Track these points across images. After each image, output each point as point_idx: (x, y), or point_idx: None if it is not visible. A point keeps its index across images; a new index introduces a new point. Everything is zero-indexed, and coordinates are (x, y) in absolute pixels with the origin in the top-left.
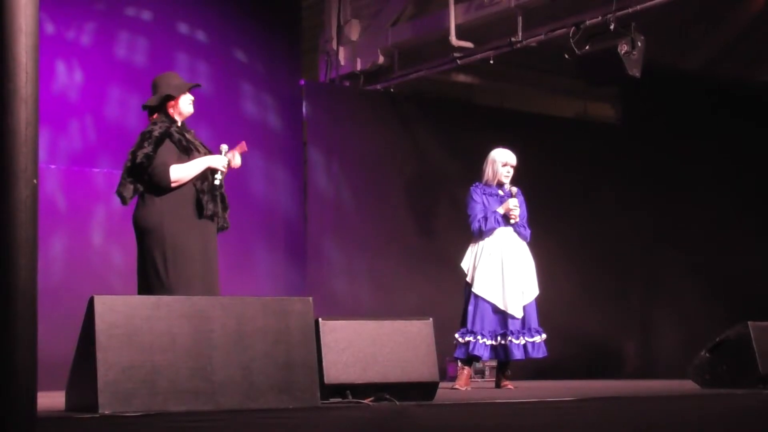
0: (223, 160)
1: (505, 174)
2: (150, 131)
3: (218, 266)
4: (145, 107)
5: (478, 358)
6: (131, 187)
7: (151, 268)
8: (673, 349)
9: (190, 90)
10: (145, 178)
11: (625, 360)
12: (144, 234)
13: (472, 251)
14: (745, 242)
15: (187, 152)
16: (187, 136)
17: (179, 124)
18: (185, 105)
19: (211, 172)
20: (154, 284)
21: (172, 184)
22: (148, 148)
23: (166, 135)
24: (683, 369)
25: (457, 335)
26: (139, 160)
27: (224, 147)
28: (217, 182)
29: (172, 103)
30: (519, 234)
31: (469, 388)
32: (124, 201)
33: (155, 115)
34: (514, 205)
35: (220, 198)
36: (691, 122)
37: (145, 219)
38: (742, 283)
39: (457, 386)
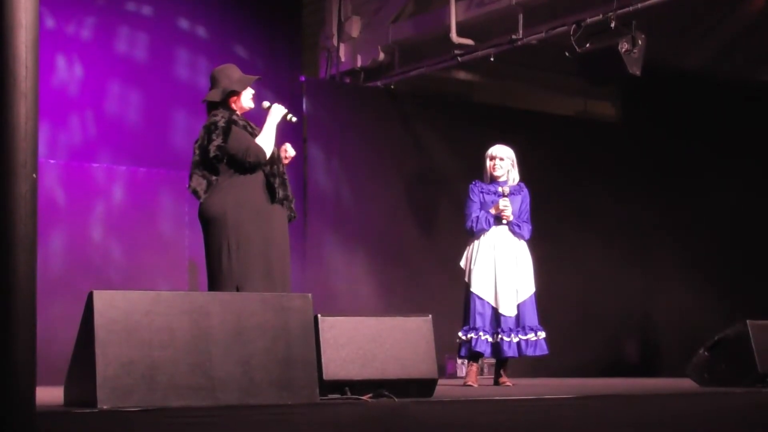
0: (280, 108)
1: (493, 166)
2: (215, 122)
3: (289, 252)
4: (206, 102)
5: (481, 355)
6: (204, 181)
7: (215, 258)
8: (672, 348)
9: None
10: (220, 168)
11: (624, 358)
12: (208, 224)
13: (468, 250)
14: (745, 240)
15: (252, 136)
16: (251, 124)
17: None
18: (246, 100)
19: (277, 160)
20: (217, 274)
21: (267, 157)
22: (218, 140)
23: (231, 122)
24: (682, 367)
25: (460, 333)
26: (213, 153)
27: (266, 103)
28: (294, 119)
29: (235, 98)
30: (514, 233)
31: (476, 385)
32: (198, 195)
33: (216, 109)
34: (504, 206)
35: (284, 183)
36: (691, 121)
37: (210, 209)
38: (741, 281)
39: (469, 383)
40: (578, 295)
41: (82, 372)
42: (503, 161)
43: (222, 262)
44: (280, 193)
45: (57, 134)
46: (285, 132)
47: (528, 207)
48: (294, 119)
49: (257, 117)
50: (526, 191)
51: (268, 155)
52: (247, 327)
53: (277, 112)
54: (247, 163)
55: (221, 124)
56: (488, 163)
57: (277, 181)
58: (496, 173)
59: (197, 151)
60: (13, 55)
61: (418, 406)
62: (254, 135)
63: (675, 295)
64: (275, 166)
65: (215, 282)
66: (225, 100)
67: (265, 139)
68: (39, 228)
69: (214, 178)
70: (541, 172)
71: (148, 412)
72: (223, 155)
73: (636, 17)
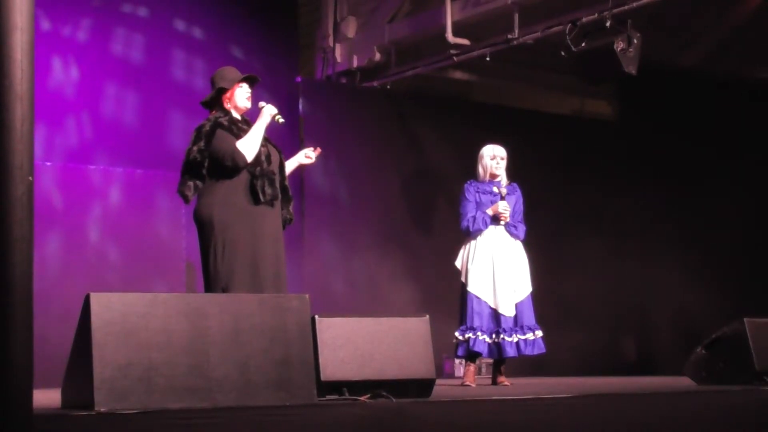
0: (270, 109)
1: (495, 165)
2: (201, 126)
3: (283, 252)
4: (203, 104)
5: (478, 354)
6: (191, 184)
7: (205, 260)
8: (669, 346)
9: (250, 84)
10: (203, 173)
11: (622, 356)
12: (200, 227)
13: (464, 250)
14: (743, 238)
15: (237, 138)
16: (240, 125)
17: (237, 116)
18: (240, 98)
19: (268, 153)
20: (206, 276)
21: (248, 159)
22: (200, 144)
23: (216, 126)
24: (680, 366)
25: (456, 333)
26: (192, 156)
27: (262, 103)
28: (282, 120)
29: (227, 96)
30: (510, 233)
31: (474, 385)
32: (186, 199)
33: (213, 111)
34: (504, 209)
35: (280, 187)
36: (688, 119)
37: (200, 212)
38: (739, 279)
39: (467, 382)
40: (575, 294)
41: (80, 374)
42: (503, 160)
43: (209, 264)
44: (267, 194)
45: (53, 136)
46: (281, 132)
47: (522, 207)
48: (282, 120)
49: (256, 117)
50: (519, 191)
51: (250, 158)
52: (244, 328)
53: (267, 114)
54: (227, 166)
55: (206, 128)
56: (489, 162)
57: (260, 182)
58: (498, 172)
59: (185, 155)
60: (8, 58)
61: (416, 407)
62: (239, 136)
63: (673, 293)
64: (259, 167)
65: (206, 284)
66: (218, 101)
67: (249, 142)
68: (36, 230)
69: (199, 181)
70: (537, 171)
71: (145, 414)
72: (203, 159)
73: (631, 16)
